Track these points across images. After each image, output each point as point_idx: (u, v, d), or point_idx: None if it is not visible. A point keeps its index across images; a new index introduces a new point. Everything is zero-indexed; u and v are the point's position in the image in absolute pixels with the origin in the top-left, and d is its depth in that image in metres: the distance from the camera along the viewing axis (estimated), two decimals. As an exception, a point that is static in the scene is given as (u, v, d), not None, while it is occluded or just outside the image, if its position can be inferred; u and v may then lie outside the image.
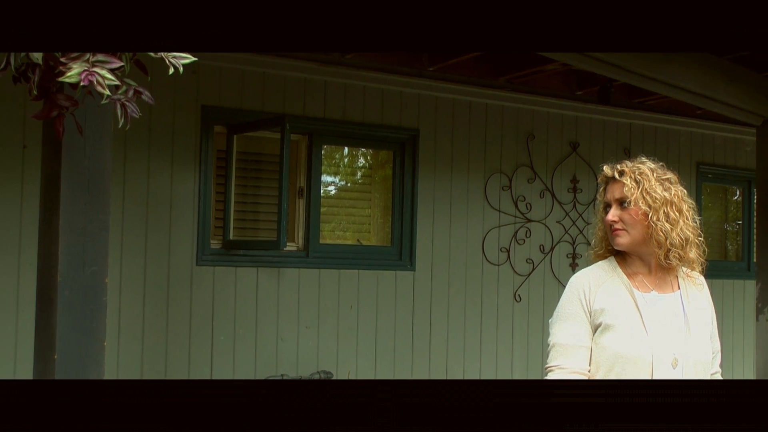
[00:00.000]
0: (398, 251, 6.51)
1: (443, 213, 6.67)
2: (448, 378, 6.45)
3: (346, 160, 6.77)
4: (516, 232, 6.95)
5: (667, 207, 2.70)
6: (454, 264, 6.70)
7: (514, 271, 6.95)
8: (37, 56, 2.61)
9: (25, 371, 5.10)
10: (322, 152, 6.26)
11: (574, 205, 7.22)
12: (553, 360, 2.74)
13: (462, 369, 6.67)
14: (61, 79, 2.43)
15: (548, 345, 2.79)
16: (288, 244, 5.91)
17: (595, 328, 2.70)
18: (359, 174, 6.89)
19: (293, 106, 6.04)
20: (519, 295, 6.95)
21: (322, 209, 6.27)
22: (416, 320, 6.52)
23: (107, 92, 2.44)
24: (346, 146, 6.63)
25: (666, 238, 2.68)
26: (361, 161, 6.90)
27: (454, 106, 6.71)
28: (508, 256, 6.92)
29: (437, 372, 6.53)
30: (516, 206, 6.96)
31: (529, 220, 7.01)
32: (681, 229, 2.70)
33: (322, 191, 6.28)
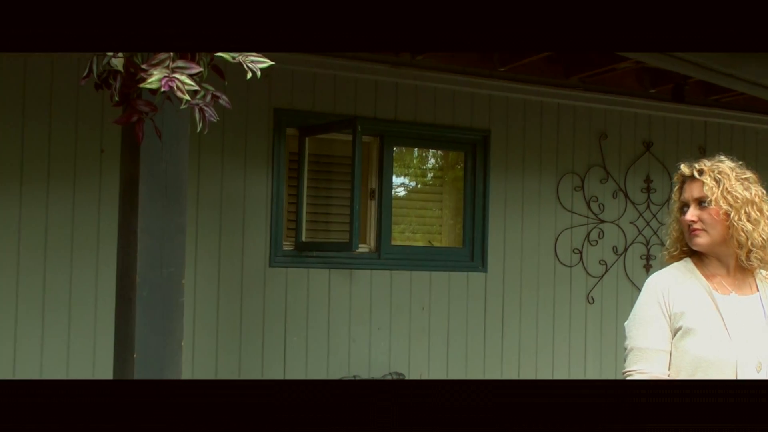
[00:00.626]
0: (470, 253, 6.48)
1: (515, 214, 6.62)
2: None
3: (415, 161, 6.76)
4: (588, 233, 6.87)
5: (748, 207, 2.64)
6: (526, 265, 6.65)
7: (587, 272, 6.86)
8: (118, 63, 2.66)
9: (103, 370, 5.21)
10: (393, 154, 6.27)
11: (648, 206, 7.10)
12: (632, 364, 2.69)
13: (534, 371, 6.61)
14: (142, 85, 2.48)
15: (625, 349, 2.74)
16: (360, 245, 5.93)
17: (675, 332, 2.65)
18: (429, 175, 6.88)
19: (364, 108, 6.06)
20: (592, 297, 6.87)
21: (393, 211, 6.28)
22: (488, 322, 6.49)
23: (187, 97, 2.48)
24: (417, 148, 6.62)
25: (747, 239, 2.63)
26: (431, 162, 6.89)
27: (526, 106, 6.66)
28: (581, 258, 6.84)
29: (509, 374, 6.49)
30: (588, 207, 6.88)
31: (602, 221, 6.92)
32: (762, 229, 2.64)
33: (393, 193, 6.28)
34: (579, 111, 6.86)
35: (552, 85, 6.65)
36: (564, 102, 6.77)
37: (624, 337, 2.75)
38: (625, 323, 2.74)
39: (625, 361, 2.74)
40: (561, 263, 6.76)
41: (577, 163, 6.85)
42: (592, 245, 6.88)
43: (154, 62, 2.53)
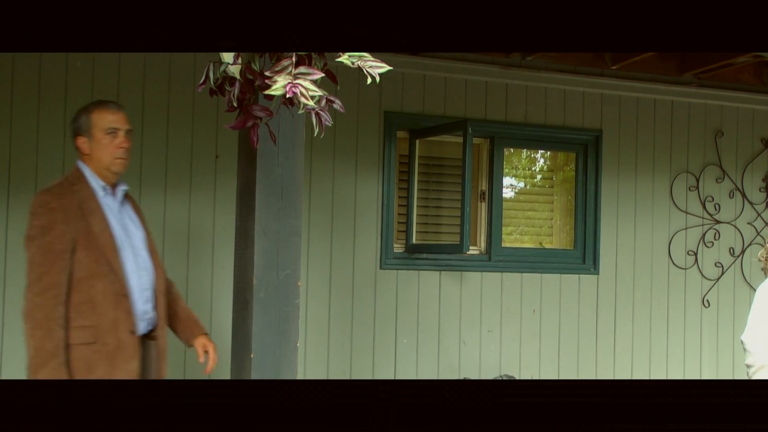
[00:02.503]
0: (581, 254, 6.39)
1: (627, 215, 6.49)
2: (635, 385, 6.26)
3: (524, 161, 6.70)
4: (704, 235, 6.68)
5: None
6: (639, 267, 6.51)
7: (702, 275, 6.68)
8: (234, 70, 2.71)
9: (218, 369, 5.32)
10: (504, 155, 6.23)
11: (767, 205, 6.87)
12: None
13: (647, 376, 6.48)
14: (267, 91, 2.51)
15: (749, 366, 2.65)
16: (470, 247, 5.90)
17: None
18: (539, 176, 6.81)
19: (475, 109, 6.04)
20: (707, 300, 6.68)
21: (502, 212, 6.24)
22: (600, 325, 6.39)
23: (311, 103, 2.50)
24: (528, 149, 6.56)
25: None
26: (541, 163, 6.82)
27: (638, 104, 6.52)
28: (696, 260, 6.66)
29: (622, 378, 6.36)
30: (704, 207, 6.69)
31: (718, 222, 6.72)
32: None
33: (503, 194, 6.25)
34: (694, 108, 6.68)
35: (665, 81, 6.50)
36: (678, 99, 6.61)
37: (744, 351, 2.65)
38: (742, 337, 2.64)
39: (750, 376, 2.65)
40: (675, 265, 6.60)
41: (691, 161, 6.68)
42: (708, 247, 6.70)
43: (277, 69, 2.55)
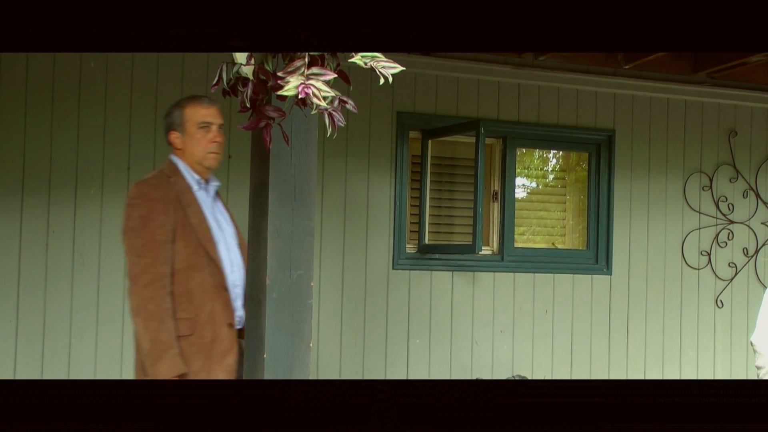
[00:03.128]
0: (594, 255, 6.38)
1: (640, 215, 6.48)
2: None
3: (536, 161, 6.69)
4: (717, 235, 6.66)
5: None
6: (652, 268, 6.50)
7: (716, 275, 6.65)
8: (248, 71, 2.71)
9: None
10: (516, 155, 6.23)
11: (781, 205, 6.85)
12: None
13: (660, 376, 6.46)
14: (280, 92, 2.51)
15: (759, 368, 2.64)
16: (483, 247, 5.90)
17: None
18: (551, 176, 6.80)
19: (487, 110, 6.04)
20: (721, 300, 6.65)
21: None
22: (613, 325, 6.37)
23: (323, 103, 2.51)
24: (541, 149, 6.55)
25: None
26: (553, 163, 6.81)
27: (651, 104, 6.51)
28: (709, 260, 6.63)
29: (635, 378, 6.35)
30: (717, 207, 6.66)
31: (732, 222, 6.70)
32: None
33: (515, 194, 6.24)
34: (707, 107, 6.66)
35: (679, 81, 6.48)
36: (691, 98, 6.58)
37: (754, 353, 2.64)
38: (752, 338, 2.63)
39: (760, 377, 2.64)
40: (688, 265, 6.58)
41: (705, 161, 6.66)
42: (721, 247, 6.67)
43: (289, 69, 2.56)
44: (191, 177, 3.59)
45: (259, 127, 2.76)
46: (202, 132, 3.57)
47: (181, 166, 3.60)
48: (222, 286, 3.50)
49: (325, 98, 2.54)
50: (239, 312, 3.59)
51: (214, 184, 3.69)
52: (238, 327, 3.58)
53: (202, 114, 3.58)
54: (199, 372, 3.43)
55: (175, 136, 3.60)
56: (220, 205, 3.72)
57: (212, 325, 3.45)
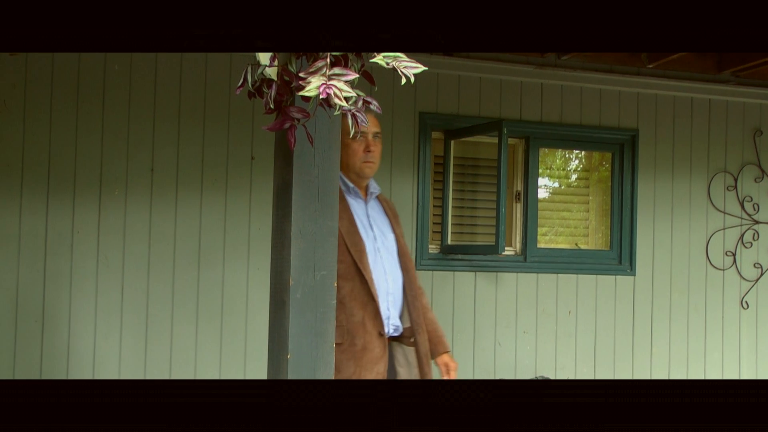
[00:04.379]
0: (618, 255, 6.35)
1: (664, 215, 6.44)
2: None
3: (558, 161, 6.67)
4: (742, 235, 6.61)
5: None
6: (676, 268, 6.46)
7: (741, 276, 6.60)
8: (272, 72, 2.72)
9: (254, 371, 5.36)
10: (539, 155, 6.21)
11: (807, 205, 6.79)
12: None
13: (685, 377, 6.42)
14: (301, 93, 2.51)
15: None
16: (506, 248, 5.89)
17: None
18: (574, 176, 6.77)
19: (510, 109, 6.02)
20: (746, 301, 6.60)
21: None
22: (637, 326, 6.34)
23: (344, 104, 2.51)
24: (564, 149, 6.53)
25: None
26: (575, 163, 6.78)
27: (675, 103, 6.47)
28: (734, 261, 6.59)
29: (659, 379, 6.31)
30: (742, 207, 6.61)
31: (757, 222, 6.64)
32: None
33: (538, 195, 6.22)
34: (732, 106, 6.61)
35: (703, 80, 6.43)
36: (716, 98, 6.54)
37: None
38: None
39: None
40: (713, 266, 6.53)
41: (729, 161, 6.61)
42: (747, 247, 6.62)
43: (311, 70, 2.56)
44: (346, 186, 3.61)
45: (283, 128, 2.76)
46: (357, 142, 3.59)
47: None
48: (370, 296, 3.49)
49: (347, 98, 2.54)
50: (394, 320, 3.60)
51: (373, 192, 3.70)
52: (395, 334, 3.60)
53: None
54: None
55: None
56: (380, 212, 3.73)
57: (363, 333, 3.47)
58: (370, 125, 3.60)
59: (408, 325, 3.65)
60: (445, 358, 3.80)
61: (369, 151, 3.60)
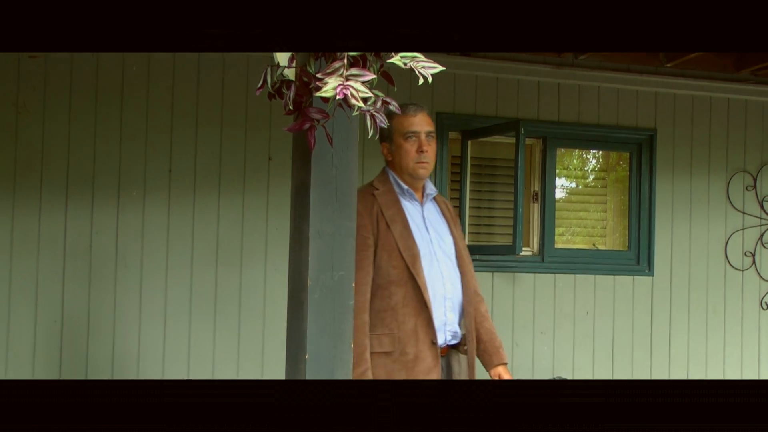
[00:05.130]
0: (636, 256, 6.32)
1: (683, 215, 6.41)
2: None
3: (576, 161, 6.65)
4: (762, 235, 6.56)
5: None
6: (695, 269, 6.42)
7: (760, 276, 6.56)
8: (290, 73, 2.72)
9: (271, 371, 5.36)
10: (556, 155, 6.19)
11: (826, 205, 6.75)
12: None
13: (704, 378, 6.38)
14: (317, 93, 2.52)
15: None
16: (523, 248, 5.88)
17: None
18: (591, 176, 6.75)
19: (527, 110, 6.01)
20: (766, 302, 6.56)
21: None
22: (655, 327, 6.31)
23: (360, 104, 2.51)
24: (581, 149, 6.51)
25: None
26: (592, 163, 6.76)
27: (693, 102, 6.43)
28: (753, 261, 6.55)
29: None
30: (761, 207, 6.57)
31: (777, 222, 6.62)
32: None
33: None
34: (751, 105, 6.57)
35: (721, 79, 6.39)
36: (735, 97, 6.50)
37: None
38: None
39: None
40: (732, 267, 6.50)
41: (748, 160, 6.57)
42: (766, 248, 6.57)
43: (328, 71, 2.56)
44: (400, 188, 3.52)
45: (303, 129, 2.77)
46: (409, 142, 3.49)
47: (391, 177, 3.53)
48: (423, 303, 3.38)
49: (364, 99, 2.54)
50: (452, 326, 3.48)
51: (429, 193, 3.59)
52: (454, 342, 3.49)
53: (407, 123, 3.50)
54: None
55: (384, 147, 3.55)
56: (437, 215, 3.62)
57: (415, 342, 3.36)
58: (422, 124, 3.51)
59: (463, 332, 3.53)
60: (499, 369, 3.66)
61: (422, 152, 3.48)
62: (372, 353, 3.34)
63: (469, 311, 3.53)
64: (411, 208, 3.52)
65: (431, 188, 3.60)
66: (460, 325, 3.53)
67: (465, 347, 3.51)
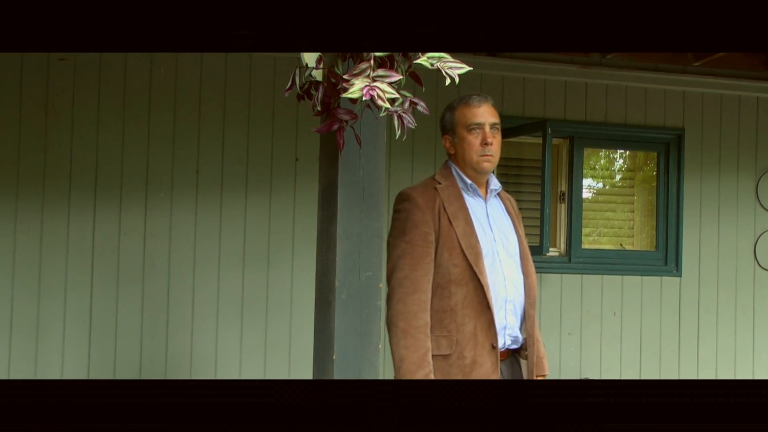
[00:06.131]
0: (663, 256, 6.28)
1: (711, 215, 6.36)
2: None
3: (602, 161, 6.61)
4: (792, 235, 6.52)
5: None
6: (724, 269, 6.37)
7: (790, 276, 6.51)
8: (318, 75, 2.73)
9: (297, 370, 5.38)
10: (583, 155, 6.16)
11: None
12: None
13: (733, 379, 6.33)
14: (344, 95, 2.52)
15: None
16: (550, 249, 5.85)
17: None
18: (618, 176, 6.72)
19: (554, 110, 5.99)
20: (796, 302, 6.51)
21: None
22: (683, 328, 6.26)
23: (387, 105, 2.51)
24: (608, 149, 6.48)
25: None
26: (619, 163, 6.72)
27: (722, 101, 6.38)
28: (783, 261, 6.50)
29: (707, 382, 6.23)
30: (791, 207, 6.53)
31: (807, 222, 6.55)
32: None
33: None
34: (780, 105, 6.52)
35: (750, 78, 6.34)
36: (764, 95, 6.44)
37: None
38: None
39: None
40: (761, 267, 6.44)
41: (778, 160, 6.53)
42: (796, 247, 6.53)
43: (355, 72, 2.57)
44: (463, 183, 3.36)
45: (332, 130, 2.77)
46: (472, 135, 3.33)
47: (454, 171, 3.38)
48: (485, 304, 3.21)
49: (391, 100, 2.55)
50: (512, 330, 3.31)
51: (493, 189, 3.41)
52: (514, 346, 3.34)
53: (470, 115, 3.37)
54: None
55: (447, 140, 3.42)
56: (501, 211, 3.45)
57: (474, 345, 3.20)
58: (486, 115, 3.34)
59: (525, 335, 3.37)
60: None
61: (486, 144, 3.30)
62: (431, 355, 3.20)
63: (531, 314, 3.38)
64: (474, 204, 3.36)
65: (496, 183, 3.44)
66: (521, 329, 3.37)
67: (526, 352, 3.35)
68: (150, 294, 5.26)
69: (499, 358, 3.24)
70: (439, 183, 3.37)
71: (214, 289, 5.36)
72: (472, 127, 3.35)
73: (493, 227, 3.36)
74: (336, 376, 3.32)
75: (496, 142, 3.35)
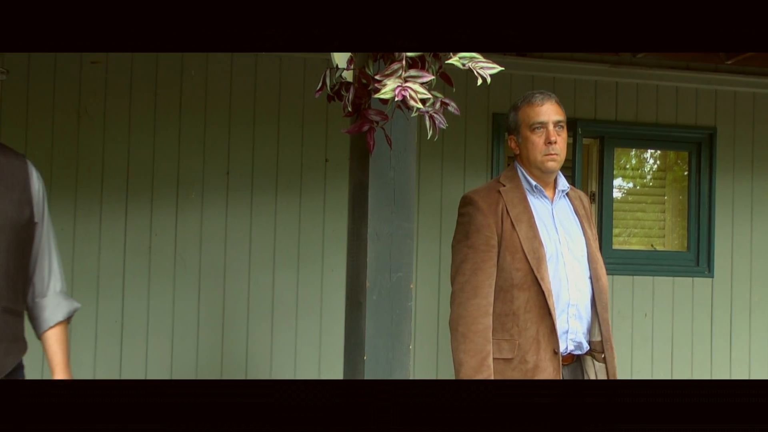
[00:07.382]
0: (695, 257, 6.22)
1: (744, 215, 6.29)
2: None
3: (632, 161, 6.57)
4: (826, 235, 6.43)
5: None
6: (757, 270, 6.30)
7: (825, 277, 6.43)
8: (348, 75, 2.74)
9: (328, 371, 5.39)
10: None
11: None
12: None
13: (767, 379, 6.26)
14: (377, 95, 2.52)
15: None
16: (580, 249, 5.81)
17: None
18: (649, 176, 6.67)
19: (584, 109, 5.95)
20: (830, 303, 6.43)
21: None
22: (715, 329, 6.20)
23: (419, 105, 2.51)
24: (639, 148, 6.43)
25: None
26: (650, 163, 6.67)
27: (755, 100, 6.31)
28: (817, 262, 6.42)
29: (740, 384, 6.17)
30: (825, 206, 6.44)
31: (841, 222, 6.46)
32: None
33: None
34: (814, 103, 6.44)
35: (783, 76, 6.29)
36: (797, 94, 6.38)
37: None
38: None
39: None
40: (795, 267, 6.38)
41: (812, 159, 6.45)
42: (830, 247, 6.44)
43: (387, 72, 2.57)
44: (528, 184, 3.32)
45: (362, 131, 2.78)
46: (536, 134, 3.30)
47: (520, 172, 3.35)
48: (547, 309, 3.17)
49: (423, 100, 2.54)
50: (574, 335, 3.26)
51: (561, 189, 3.36)
52: (577, 352, 3.29)
53: (533, 114, 3.34)
54: None
55: (511, 140, 3.39)
56: (569, 212, 3.39)
57: (536, 350, 3.16)
58: (550, 113, 3.32)
59: (598, 339, 3.28)
60: None
61: (551, 143, 3.27)
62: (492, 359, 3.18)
63: (605, 318, 3.29)
64: (539, 206, 3.31)
65: (564, 183, 3.39)
66: (588, 333, 3.30)
67: (603, 355, 3.28)
68: (180, 294, 5.29)
69: (561, 363, 3.20)
70: (503, 185, 3.33)
71: (245, 289, 5.39)
72: (535, 126, 3.32)
73: (559, 229, 3.31)
74: (366, 377, 3.32)
75: (560, 140, 3.32)
